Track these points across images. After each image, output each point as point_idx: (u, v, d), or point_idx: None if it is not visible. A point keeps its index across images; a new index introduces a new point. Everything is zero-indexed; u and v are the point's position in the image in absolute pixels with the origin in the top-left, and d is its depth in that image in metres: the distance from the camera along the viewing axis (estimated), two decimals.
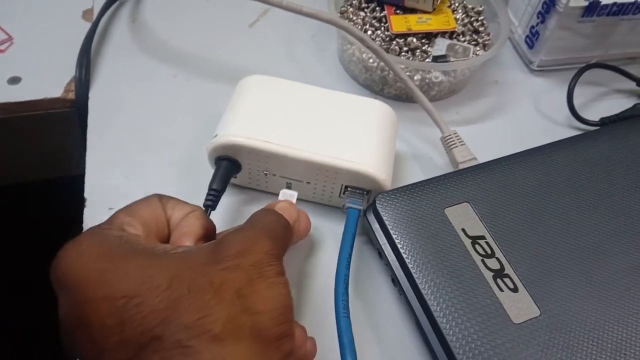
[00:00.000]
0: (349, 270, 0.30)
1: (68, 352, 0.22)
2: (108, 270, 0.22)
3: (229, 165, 0.33)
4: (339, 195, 0.34)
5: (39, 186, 0.53)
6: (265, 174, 0.34)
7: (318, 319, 0.31)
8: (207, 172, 0.33)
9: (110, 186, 0.36)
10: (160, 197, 0.27)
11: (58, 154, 0.43)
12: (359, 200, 0.33)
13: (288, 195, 0.32)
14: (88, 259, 0.22)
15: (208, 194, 0.31)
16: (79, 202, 0.34)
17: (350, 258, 0.30)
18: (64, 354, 0.23)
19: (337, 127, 0.33)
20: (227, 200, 0.35)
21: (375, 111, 0.35)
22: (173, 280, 0.21)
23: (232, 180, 0.35)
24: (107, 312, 0.20)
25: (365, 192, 0.33)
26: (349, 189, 0.33)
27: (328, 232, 0.35)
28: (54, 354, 0.38)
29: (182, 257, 0.23)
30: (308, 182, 0.34)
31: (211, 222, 0.28)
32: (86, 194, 0.35)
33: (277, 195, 0.32)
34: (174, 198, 0.28)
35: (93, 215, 0.34)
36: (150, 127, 0.39)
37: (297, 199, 0.32)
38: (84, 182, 0.35)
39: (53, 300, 0.23)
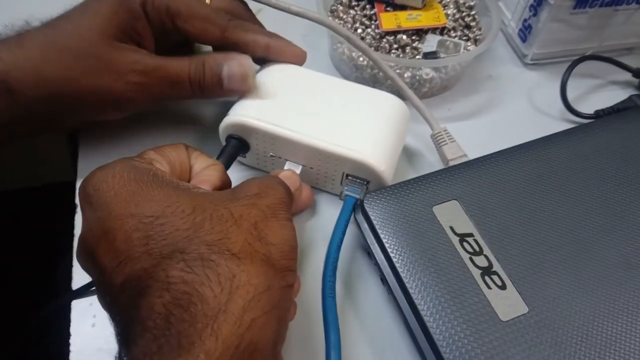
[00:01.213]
0: (338, 254, 0.30)
1: (82, 264, 0.24)
2: (137, 193, 0.23)
3: (237, 144, 0.35)
4: (340, 183, 0.35)
5: (30, 192, 0.54)
6: (272, 156, 0.35)
7: (309, 301, 0.32)
8: None
9: None
10: (187, 146, 0.29)
11: (49, 160, 0.44)
12: (357, 189, 0.33)
13: (292, 166, 0.34)
14: (120, 180, 0.24)
15: None
16: (71, 209, 0.35)
17: (341, 243, 0.31)
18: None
19: (345, 117, 0.34)
20: (234, 176, 0.36)
21: (386, 104, 0.35)
22: (197, 208, 0.23)
23: (242, 160, 0.38)
24: (134, 227, 0.22)
25: (365, 182, 0.33)
26: (349, 177, 0.34)
27: (329, 220, 0.34)
28: None
29: (204, 193, 0.25)
30: (311, 168, 0.35)
31: (228, 177, 0.30)
32: (78, 201, 0.35)
33: None
34: (198, 150, 0.30)
35: None
36: (144, 130, 0.39)
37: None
38: (75, 189, 0.36)
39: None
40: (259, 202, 0.25)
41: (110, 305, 0.23)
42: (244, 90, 0.35)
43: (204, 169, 0.29)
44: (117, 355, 0.22)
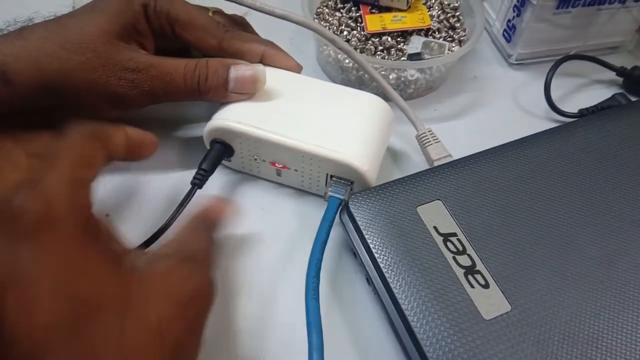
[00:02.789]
0: (322, 255, 0.30)
1: None
2: (77, 264, 0.21)
3: (220, 148, 0.35)
4: (325, 185, 0.35)
5: None
6: (255, 159, 0.35)
7: (293, 302, 0.32)
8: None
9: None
10: (98, 131, 0.27)
11: None
12: (342, 190, 0.33)
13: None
14: (61, 235, 0.21)
15: (196, 173, 0.33)
16: None
17: (325, 244, 0.31)
18: None
19: (328, 118, 0.34)
20: (221, 180, 0.38)
21: (369, 106, 0.36)
22: (132, 306, 0.22)
23: (227, 164, 0.38)
24: (62, 314, 0.20)
25: (349, 183, 0.34)
26: (333, 178, 0.34)
27: (314, 222, 0.34)
28: None
29: (139, 277, 0.23)
30: (295, 170, 0.35)
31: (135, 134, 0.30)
32: None
33: (269, 180, 0.37)
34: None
35: None
36: None
37: (286, 186, 0.36)
38: None
39: None
40: (187, 314, 0.24)
41: None
42: (251, 94, 0.35)
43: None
44: None
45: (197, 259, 0.26)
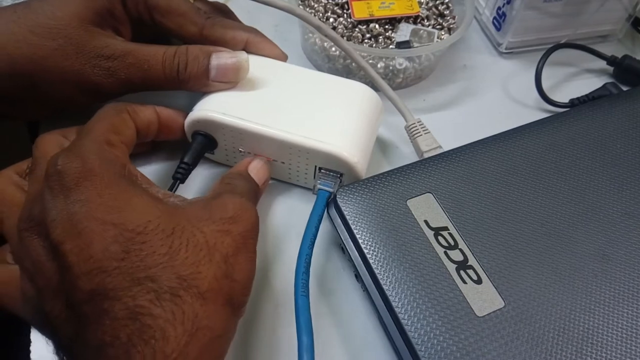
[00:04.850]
0: (311, 251, 0.29)
1: (28, 243, 0.23)
2: (119, 198, 0.23)
3: (203, 141, 0.33)
4: (314, 177, 0.34)
5: None
6: (240, 152, 0.34)
7: (282, 300, 0.31)
8: None
9: None
10: (127, 107, 0.30)
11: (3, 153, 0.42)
12: (331, 183, 0.32)
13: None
14: (101, 180, 0.23)
15: (178, 167, 0.32)
16: None
17: (314, 239, 0.30)
18: None
19: (315, 108, 0.33)
20: (204, 173, 0.36)
21: (358, 95, 0.34)
22: (176, 229, 0.23)
23: (210, 156, 0.36)
24: (114, 239, 0.22)
25: (338, 175, 0.32)
26: (322, 170, 0.33)
27: (303, 216, 0.33)
28: None
29: (182, 209, 0.25)
30: (283, 162, 0.34)
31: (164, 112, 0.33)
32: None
33: None
34: (133, 103, 0.31)
35: None
36: None
37: (273, 179, 0.35)
38: None
39: None
40: (233, 229, 0.25)
41: (66, 310, 0.22)
42: (234, 83, 0.33)
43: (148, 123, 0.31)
44: None
45: (237, 192, 0.28)
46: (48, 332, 0.24)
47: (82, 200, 0.23)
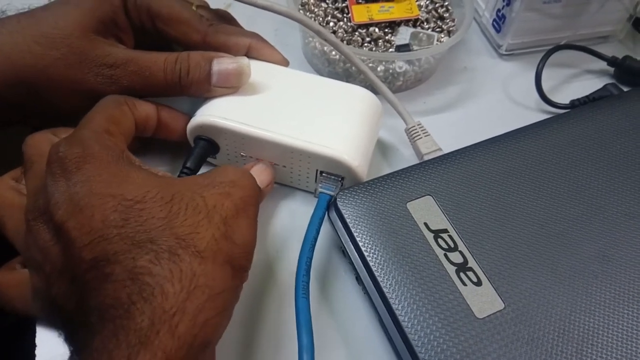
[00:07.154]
0: (312, 253, 0.30)
1: (34, 231, 0.24)
2: (118, 175, 0.24)
3: (205, 145, 0.33)
4: (315, 181, 0.34)
5: None
6: (242, 156, 0.34)
7: (283, 302, 0.31)
8: None
9: None
10: (126, 100, 0.31)
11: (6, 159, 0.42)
12: (332, 186, 0.33)
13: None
14: (100, 162, 0.24)
15: (181, 172, 0.32)
16: None
17: (315, 241, 0.30)
18: None
19: (316, 113, 0.33)
20: None
21: (358, 99, 0.34)
22: (175, 195, 0.24)
23: (212, 161, 0.36)
24: (113, 208, 0.23)
25: (340, 179, 0.33)
26: (323, 174, 0.33)
27: (304, 219, 0.33)
28: None
29: (182, 179, 0.26)
30: (284, 166, 0.34)
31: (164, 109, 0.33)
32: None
33: None
34: (132, 98, 0.31)
35: None
36: None
37: (274, 183, 0.34)
38: None
39: None
40: (233, 192, 0.26)
41: (70, 285, 0.23)
42: (236, 88, 0.33)
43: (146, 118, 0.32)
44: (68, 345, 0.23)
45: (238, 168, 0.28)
46: (57, 320, 0.24)
47: (82, 180, 0.23)
